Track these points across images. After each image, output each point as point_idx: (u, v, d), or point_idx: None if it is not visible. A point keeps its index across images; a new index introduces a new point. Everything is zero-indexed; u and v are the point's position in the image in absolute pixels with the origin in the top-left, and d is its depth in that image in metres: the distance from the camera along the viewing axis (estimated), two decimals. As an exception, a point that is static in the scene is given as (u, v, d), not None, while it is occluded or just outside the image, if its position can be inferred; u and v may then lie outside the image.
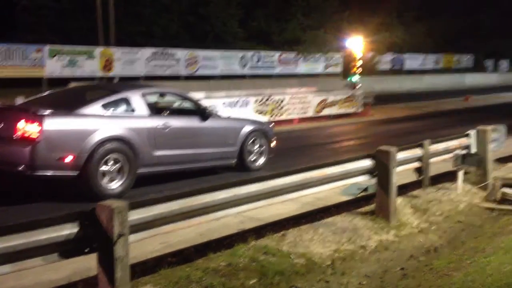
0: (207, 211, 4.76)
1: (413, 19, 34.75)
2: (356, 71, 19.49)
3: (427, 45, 35.27)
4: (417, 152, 7.61)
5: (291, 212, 6.50)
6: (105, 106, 7.11)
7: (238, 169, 8.52)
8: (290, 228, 5.87)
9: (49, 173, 6.52)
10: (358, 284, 4.73)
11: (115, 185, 6.92)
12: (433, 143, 7.88)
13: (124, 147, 6.98)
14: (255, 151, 8.85)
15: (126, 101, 7.37)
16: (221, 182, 5.32)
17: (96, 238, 3.75)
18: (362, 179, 6.64)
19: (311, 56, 27.89)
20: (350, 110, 17.90)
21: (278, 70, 26.84)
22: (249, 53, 25.58)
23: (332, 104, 17.35)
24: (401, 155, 7.09)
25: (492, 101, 23.53)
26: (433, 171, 7.90)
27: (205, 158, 8.22)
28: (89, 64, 19.86)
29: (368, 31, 30.45)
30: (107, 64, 20.39)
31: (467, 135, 8.55)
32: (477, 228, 6.52)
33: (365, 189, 7.01)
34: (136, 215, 4.05)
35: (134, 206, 4.04)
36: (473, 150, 8.39)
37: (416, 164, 7.59)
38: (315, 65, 28.32)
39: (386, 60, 32.53)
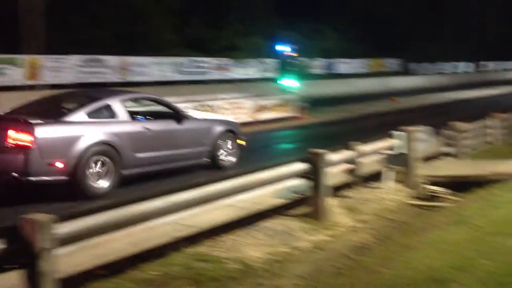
0: (141, 220, 4.69)
1: (345, 24, 35.79)
2: (291, 76, 19.80)
3: (358, 49, 36.39)
4: (348, 153, 7.84)
5: (227, 218, 6.49)
6: (89, 113, 7.55)
7: (210, 168, 8.96)
8: (226, 234, 5.87)
9: (42, 178, 6.96)
10: (292, 285, 4.80)
11: (102, 185, 7.39)
12: (363, 144, 8.15)
13: (108, 151, 7.45)
14: (226, 150, 9.34)
15: (108, 107, 7.82)
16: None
17: (22, 253, 3.62)
18: (296, 182, 6.76)
19: (246, 62, 28.11)
20: (286, 114, 18.14)
21: (214, 76, 26.82)
22: (184, 59, 25.44)
23: (268, 108, 17.53)
24: (333, 157, 7.28)
25: (419, 102, 24.55)
26: (364, 171, 8.15)
27: (182, 158, 8.70)
28: (14, 72, 19.05)
29: (302, 37, 31.09)
30: (34, 72, 19.64)
31: (395, 136, 8.90)
32: (405, 225, 6.79)
33: (300, 192, 7.13)
34: (65, 228, 3.94)
35: (64, 218, 3.93)
36: (401, 150, 8.74)
37: (348, 166, 7.81)
38: (251, 70, 28.52)
39: (319, 65, 33.26)
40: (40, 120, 7.06)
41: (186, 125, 8.74)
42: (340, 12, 35.20)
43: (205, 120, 9.71)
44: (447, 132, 10.72)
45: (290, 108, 18.37)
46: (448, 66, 46.96)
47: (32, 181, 6.89)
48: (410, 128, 8.90)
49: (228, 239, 5.65)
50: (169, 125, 8.63)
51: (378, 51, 38.34)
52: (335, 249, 5.84)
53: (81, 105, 7.71)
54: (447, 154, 10.61)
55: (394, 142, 8.80)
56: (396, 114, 20.11)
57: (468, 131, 11.22)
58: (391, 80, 36.18)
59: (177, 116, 8.74)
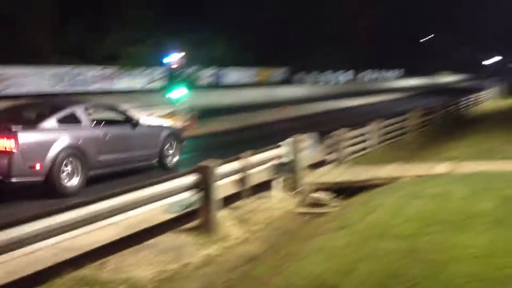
0: (15, 246, 4.34)
1: (233, 34, 36.18)
2: (179, 86, 19.62)
3: (246, 59, 37.02)
4: (237, 164, 7.89)
5: (112, 237, 6.20)
6: (58, 120, 8.60)
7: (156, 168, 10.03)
8: (112, 254, 5.60)
9: (23, 179, 7.91)
10: (183, 303, 4.69)
11: (72, 184, 8.41)
12: (252, 154, 8.25)
13: (77, 153, 8.51)
14: (171, 151, 10.67)
15: (74, 115, 8.93)
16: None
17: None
18: (186, 195, 6.66)
19: (131, 72, 27.39)
20: (174, 125, 17.87)
21: (96, 86, 25.82)
22: (64, 69, 24.20)
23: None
24: (223, 169, 7.29)
25: (303, 111, 25.50)
26: (253, 181, 8.25)
27: (137, 160, 9.91)
28: None
29: (190, 45, 30.95)
30: None
31: (282, 145, 9.13)
32: (292, 233, 6.95)
33: (189, 205, 7.03)
34: None
35: None
36: (288, 158, 8.98)
37: (237, 176, 7.86)
38: (137, 80, 27.87)
39: (207, 75, 33.37)
40: (22, 127, 8.00)
41: (139, 130, 9.99)
42: (228, 21, 35.57)
43: (153, 126, 11.25)
44: (330, 139, 11.19)
45: (180, 119, 18.18)
46: (330, 76, 49.47)
47: (14, 182, 7.84)
48: (296, 136, 9.18)
49: (115, 260, 5.40)
50: (125, 130, 9.79)
51: (266, 61, 39.34)
52: (226, 262, 5.82)
53: (50, 113, 8.76)
54: (331, 161, 11.07)
55: (281, 151, 9.02)
56: (282, 123, 20.73)
57: (349, 138, 11.81)
58: (277, 90, 37.29)
59: (131, 122, 9.94)
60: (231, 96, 31.40)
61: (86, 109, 9.31)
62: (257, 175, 8.49)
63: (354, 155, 12.13)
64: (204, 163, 6.76)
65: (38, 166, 7.95)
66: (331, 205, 8.20)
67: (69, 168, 8.37)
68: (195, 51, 31.30)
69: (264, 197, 8.31)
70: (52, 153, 8.10)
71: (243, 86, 35.98)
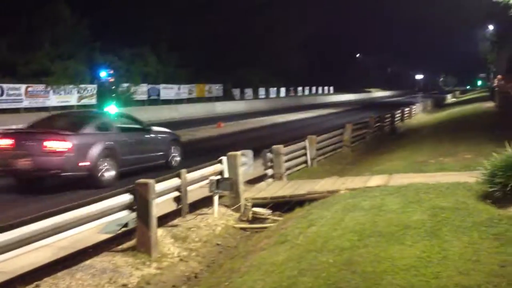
0: None
1: (167, 49, 35.92)
2: (112, 102, 19.21)
3: (181, 75, 36.83)
4: (175, 181, 7.77)
5: (45, 260, 5.95)
6: (96, 127, 10.92)
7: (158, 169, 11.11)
8: (45, 277, 5.35)
9: (73, 174, 10.08)
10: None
11: (108, 177, 10.48)
12: (189, 171, 8.16)
13: (111, 153, 10.67)
14: (174, 153, 12.87)
15: (106, 123, 11.44)
16: None
17: None
18: (122, 214, 6.49)
19: (63, 88, 26.51)
20: None
21: (25, 103, 24.81)
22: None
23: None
24: (160, 186, 7.15)
25: (240, 127, 25.58)
26: (192, 198, 8.16)
27: (150, 160, 11.94)
28: None
29: (124, 61, 30.42)
30: None
31: (220, 161, 9.10)
32: (232, 249, 6.91)
33: (125, 225, 6.85)
34: None
35: None
36: (226, 174, 8.96)
37: (175, 193, 7.75)
38: (68, 97, 26.97)
39: (142, 91, 32.85)
40: (73, 132, 10.23)
41: (151, 136, 12.38)
42: (163, 37, 35.30)
43: (161, 131, 13.17)
44: (268, 154, 11.27)
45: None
46: (267, 91, 50.05)
47: (67, 176, 10.10)
48: (234, 152, 9.19)
49: (50, 282, 5.15)
50: (141, 136, 12.04)
51: (202, 76, 39.27)
52: (164, 282, 5.70)
53: (88, 121, 11.19)
54: (270, 176, 11.14)
55: (220, 167, 8.99)
56: (221, 138, 20.71)
57: (287, 153, 11.95)
58: (216, 105, 37.28)
59: (145, 129, 12.38)
60: (168, 112, 31.05)
61: (112, 118, 12.22)
62: (196, 191, 8.42)
63: (292, 170, 12.28)
64: (142, 180, 6.61)
65: (84, 163, 10.07)
66: (270, 220, 8.24)
67: (105, 164, 10.48)
68: (129, 66, 30.85)
69: (204, 213, 8.24)
70: (94, 152, 10.25)
71: (180, 102, 35.71)
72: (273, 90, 51.12)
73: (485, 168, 6.83)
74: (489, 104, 28.66)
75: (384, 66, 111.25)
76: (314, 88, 63.15)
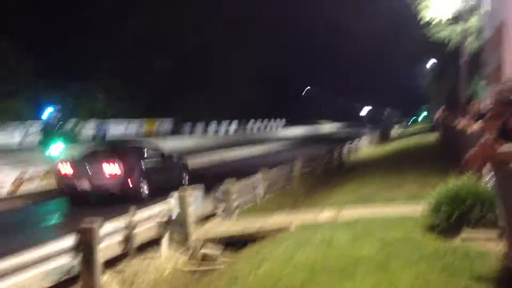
0: None
1: (116, 84, 35.43)
2: (58, 140, 18.65)
3: (130, 111, 36.32)
4: (122, 223, 7.54)
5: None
6: (136, 156, 14.13)
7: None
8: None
9: (122, 192, 12.90)
10: None
11: (145, 194, 13.46)
12: (137, 211, 7.95)
13: (146, 175, 13.70)
14: (184, 174, 16.26)
15: (141, 152, 14.59)
16: None
17: None
18: (65, 260, 6.20)
19: (6, 126, 25.56)
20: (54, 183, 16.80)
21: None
22: None
23: (32, 178, 16.04)
24: (106, 229, 6.91)
25: (190, 163, 25.24)
26: (140, 239, 7.91)
27: (169, 180, 14.45)
28: None
29: (70, 98, 29.73)
30: None
31: (168, 200, 8.92)
32: (182, 293, 6.70)
33: (69, 271, 6.53)
34: None
35: None
36: (175, 214, 8.77)
37: (122, 235, 7.50)
38: (10, 136, 25.99)
39: (90, 128, 32.14)
40: (119, 161, 13.21)
41: (169, 162, 15.73)
42: (110, 72, 34.84)
43: (175, 157, 16.63)
44: (218, 192, 11.16)
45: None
46: (218, 126, 50.04)
47: (119, 194, 12.84)
48: (185, 191, 9.03)
49: None
50: (163, 162, 15.23)
51: (151, 112, 38.87)
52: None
53: (130, 151, 14.59)
54: (221, 214, 11.00)
55: (169, 206, 8.80)
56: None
57: (237, 190, 11.87)
58: (165, 141, 36.84)
59: (168, 156, 15.87)
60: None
61: (147, 149, 15.25)
62: (144, 233, 8.18)
63: (244, 206, 12.19)
64: (85, 223, 6.37)
65: (130, 184, 13.22)
66: (221, 260, 8.08)
67: (142, 184, 13.58)
68: (76, 102, 30.21)
69: (152, 256, 7.99)
70: (136, 176, 13.47)
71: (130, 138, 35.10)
72: (224, 124, 51.26)
73: (430, 200, 6.98)
74: (432, 136, 29.68)
75: (334, 99, 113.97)
76: (266, 121, 63.78)
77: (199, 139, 41.91)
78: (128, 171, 13.24)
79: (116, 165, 13.15)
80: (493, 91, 4.23)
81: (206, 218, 10.42)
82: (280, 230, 8.56)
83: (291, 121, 70.16)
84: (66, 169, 13.51)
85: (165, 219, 8.26)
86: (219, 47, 46.87)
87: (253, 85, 56.80)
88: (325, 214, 9.18)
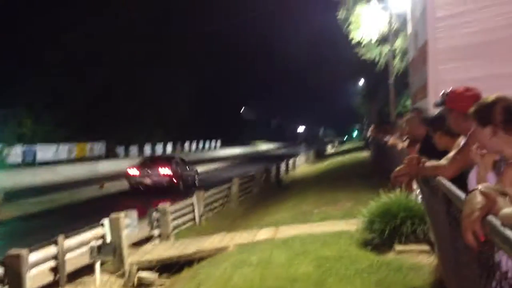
0: None
1: (44, 108, 34.20)
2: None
3: (60, 134, 35.09)
4: (51, 250, 7.21)
5: None
6: (175, 163, 21.70)
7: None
8: None
9: (172, 186, 20.09)
10: None
11: (181, 188, 20.28)
12: (67, 237, 7.63)
13: (182, 176, 21.47)
14: (196, 178, 23.22)
15: (178, 161, 22.31)
16: None
17: None
18: (-12, 292, 5.84)
19: None
20: None
21: None
22: None
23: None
24: (35, 257, 6.59)
25: (125, 186, 24.67)
26: (71, 266, 7.58)
27: (191, 179, 22.39)
28: None
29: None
30: None
31: (101, 225, 8.62)
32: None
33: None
34: None
35: None
36: (108, 238, 8.49)
37: (52, 263, 7.16)
38: None
39: (16, 153, 30.69)
40: (168, 165, 20.99)
41: (190, 168, 23.44)
42: (38, 95, 33.60)
43: (191, 165, 24.52)
44: (154, 214, 10.93)
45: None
46: (153, 147, 49.25)
47: (168, 187, 19.95)
48: (118, 214, 8.77)
49: None
50: (189, 168, 23.09)
51: (82, 135, 37.74)
52: None
53: (172, 160, 22.44)
54: (157, 237, 10.77)
55: (101, 231, 8.51)
56: (106, 199, 19.78)
57: (174, 211, 11.67)
58: (99, 165, 35.80)
59: (189, 165, 23.75)
60: (46, 174, 29.20)
61: (179, 159, 22.78)
62: (76, 259, 7.86)
63: (180, 228, 12.00)
64: (12, 252, 6.03)
65: (176, 181, 20.54)
66: (158, 284, 7.87)
67: (180, 181, 20.69)
68: (1, 127, 28.88)
69: (84, 283, 7.67)
70: (178, 176, 20.63)
71: (60, 163, 33.77)
72: (159, 146, 50.51)
73: (363, 216, 7.15)
74: (365, 154, 30.58)
75: (269, 119, 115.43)
76: (201, 142, 63.52)
77: (133, 161, 40.95)
78: (173, 173, 20.80)
79: (167, 168, 20.78)
80: (404, 120, 4.45)
81: (141, 241, 10.16)
82: (218, 251, 8.48)
83: (229, 141, 70.33)
84: (134, 171, 21.16)
85: (98, 243, 7.96)
86: (151, 68, 46.40)
87: (189, 105, 56.56)
88: (263, 234, 9.19)
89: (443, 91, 3.25)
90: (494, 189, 1.61)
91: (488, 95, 2.55)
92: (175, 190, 19.38)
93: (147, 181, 20.48)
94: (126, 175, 21.33)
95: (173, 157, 24.35)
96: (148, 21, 45.04)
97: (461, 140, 3.16)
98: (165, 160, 22.82)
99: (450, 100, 3.16)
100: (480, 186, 1.66)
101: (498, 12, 5.43)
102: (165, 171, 20.62)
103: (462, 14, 5.74)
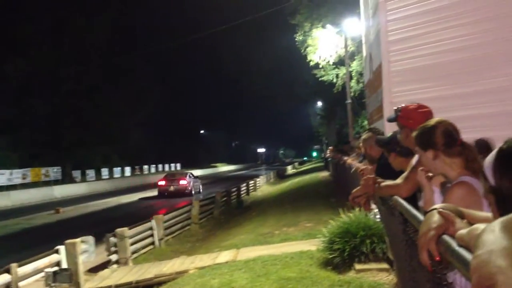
0: None
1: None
2: None
3: (14, 159, 34.08)
4: (5, 278, 6.94)
5: None
6: (188, 176, 31.24)
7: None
8: None
9: (186, 192, 29.32)
10: None
11: (192, 193, 29.57)
12: (21, 265, 7.36)
13: (193, 185, 30.81)
14: (200, 187, 32.22)
15: (190, 175, 31.66)
16: None
17: None
18: None
19: None
20: None
21: None
22: None
23: None
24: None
25: (82, 210, 24.10)
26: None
27: (197, 187, 31.45)
28: None
29: None
30: None
31: (56, 251, 8.36)
32: None
33: None
34: None
35: None
36: (64, 265, 8.23)
37: (4, 293, 6.88)
38: None
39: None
40: (185, 177, 31.03)
41: (196, 179, 32.58)
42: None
43: (196, 176, 33.93)
44: (112, 238, 10.68)
45: None
46: (111, 171, 48.31)
47: (184, 193, 28.91)
48: (73, 240, 8.53)
49: None
50: (195, 179, 31.93)
51: (38, 159, 36.79)
52: None
53: (187, 174, 32.18)
54: (115, 262, 10.52)
55: (57, 257, 8.25)
56: (61, 225, 19.22)
57: (132, 236, 11.45)
58: (54, 190, 34.85)
59: (196, 177, 32.81)
60: (0, 199, 28.23)
61: (191, 173, 32.33)
62: (31, 286, 7.57)
63: (139, 253, 11.76)
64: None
65: (190, 188, 29.57)
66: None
67: (192, 189, 29.74)
68: None
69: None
70: (190, 185, 29.92)
71: (13, 188, 32.70)
72: (117, 170, 49.59)
73: (324, 236, 7.19)
74: (324, 174, 30.93)
75: (228, 141, 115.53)
76: (161, 166, 62.81)
77: (90, 186, 40.12)
78: (188, 183, 29.49)
79: (185, 180, 29.67)
80: (360, 141, 4.54)
81: (99, 267, 9.90)
82: (178, 275, 8.34)
83: (188, 164, 69.89)
84: (162, 182, 30.09)
85: (54, 270, 7.70)
86: (105, 90, 45.84)
87: (147, 129, 56.02)
88: (223, 256, 9.10)
89: (396, 107, 3.31)
90: (452, 210, 1.64)
91: (432, 119, 2.64)
92: (188, 194, 28.22)
93: (171, 189, 28.99)
94: (157, 185, 30.53)
95: (187, 173, 33.00)
96: (97, 47, 44.76)
97: (414, 160, 3.23)
98: (181, 174, 32.72)
99: (402, 116, 3.22)
100: (438, 206, 1.69)
101: (447, 37, 5.65)
102: (183, 181, 29.52)
103: (414, 38, 5.94)
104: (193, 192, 29.55)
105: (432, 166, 2.55)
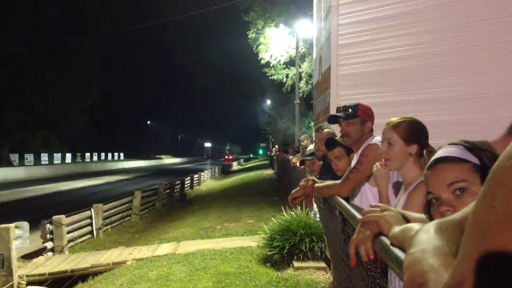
0: None
1: None
2: None
3: None
4: None
5: None
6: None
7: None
8: None
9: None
10: None
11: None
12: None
13: None
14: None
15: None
16: None
17: None
18: None
19: None
20: None
21: None
22: None
23: None
24: None
25: (18, 195, 23.28)
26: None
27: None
28: None
29: None
30: None
31: (-12, 236, 8.05)
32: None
33: None
34: None
35: None
36: (-4, 251, 7.94)
37: None
38: None
39: None
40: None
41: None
42: None
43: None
44: (48, 226, 10.38)
45: None
46: (51, 157, 46.84)
47: None
48: (6, 225, 8.23)
49: None
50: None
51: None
52: None
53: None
54: (50, 249, 10.23)
55: (-12, 243, 7.94)
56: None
57: (69, 224, 11.16)
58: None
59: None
60: None
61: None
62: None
63: (76, 241, 11.48)
64: None
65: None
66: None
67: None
68: None
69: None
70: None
71: None
72: (57, 156, 48.08)
73: (265, 233, 7.27)
74: (269, 171, 31.20)
75: (175, 134, 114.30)
76: (103, 154, 61.39)
77: (29, 170, 38.76)
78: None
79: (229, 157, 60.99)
80: (316, 137, 4.60)
81: (33, 254, 9.61)
82: (114, 266, 8.21)
83: (132, 154, 68.71)
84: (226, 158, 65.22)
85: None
86: (49, 73, 44.37)
87: (90, 116, 54.62)
88: (163, 249, 9.03)
89: (343, 105, 3.37)
90: (395, 212, 1.67)
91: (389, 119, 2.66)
92: None
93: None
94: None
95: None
96: (42, 28, 43.31)
97: (354, 160, 3.33)
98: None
99: (363, 112, 3.30)
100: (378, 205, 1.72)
101: (392, 45, 5.83)
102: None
103: (362, 43, 6.10)
104: None
105: (399, 161, 2.45)
